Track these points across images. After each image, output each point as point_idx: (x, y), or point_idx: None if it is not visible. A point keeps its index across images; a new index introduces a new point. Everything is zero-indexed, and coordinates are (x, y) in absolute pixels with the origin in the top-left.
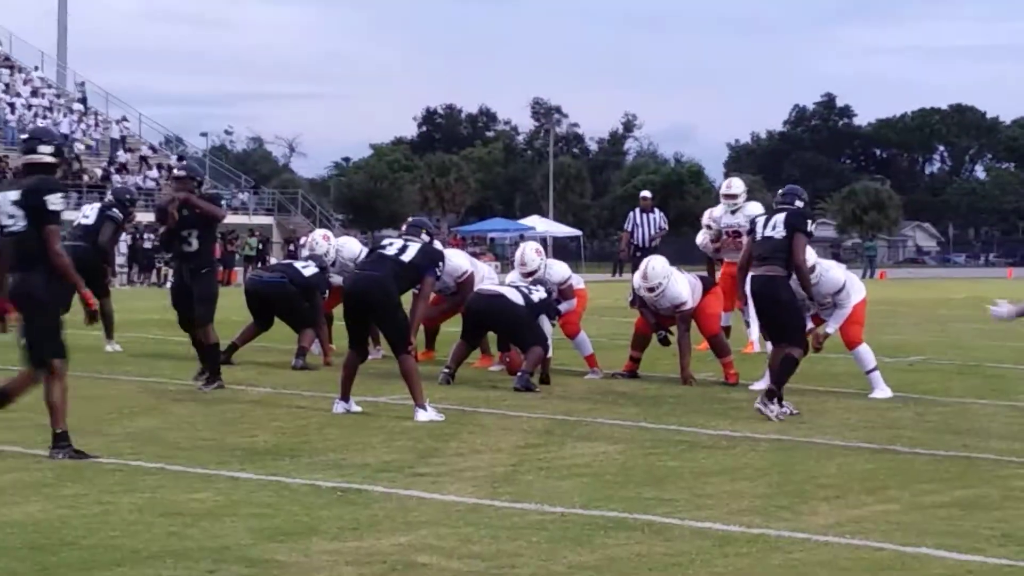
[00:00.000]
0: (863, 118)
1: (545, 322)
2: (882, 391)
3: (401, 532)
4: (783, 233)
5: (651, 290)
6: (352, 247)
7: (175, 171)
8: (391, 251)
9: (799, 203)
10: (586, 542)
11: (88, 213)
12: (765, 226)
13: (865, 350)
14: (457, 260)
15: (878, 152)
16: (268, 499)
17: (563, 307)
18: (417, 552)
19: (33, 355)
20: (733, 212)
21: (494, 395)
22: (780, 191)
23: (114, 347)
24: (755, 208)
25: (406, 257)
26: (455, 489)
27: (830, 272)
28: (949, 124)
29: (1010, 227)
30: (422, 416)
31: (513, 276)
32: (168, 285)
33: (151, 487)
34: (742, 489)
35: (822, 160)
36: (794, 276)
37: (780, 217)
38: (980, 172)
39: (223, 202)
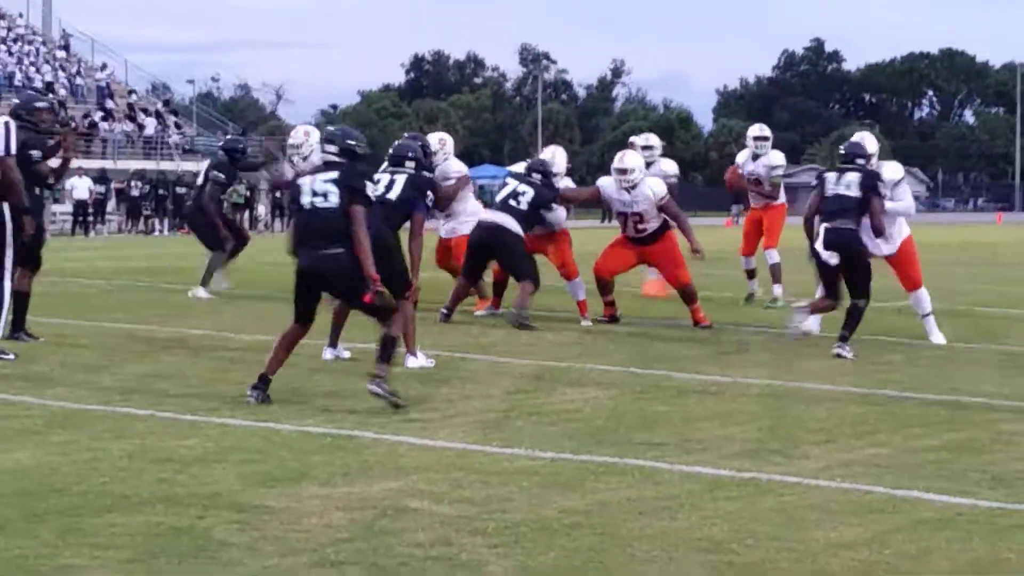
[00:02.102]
0: (852, 63)
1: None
2: (938, 337)
3: (392, 478)
4: (858, 193)
5: (623, 172)
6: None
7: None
8: (379, 191)
9: (860, 160)
10: (576, 487)
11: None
12: (837, 183)
13: (923, 293)
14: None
15: (867, 97)
16: (258, 445)
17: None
18: (408, 497)
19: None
20: (755, 158)
21: (485, 341)
22: (844, 147)
23: (196, 294)
24: (777, 157)
25: (392, 195)
26: (445, 435)
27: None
28: (938, 69)
29: (999, 172)
30: (412, 363)
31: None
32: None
33: (140, 434)
34: (732, 433)
35: (811, 105)
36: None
37: (854, 177)
38: (969, 117)
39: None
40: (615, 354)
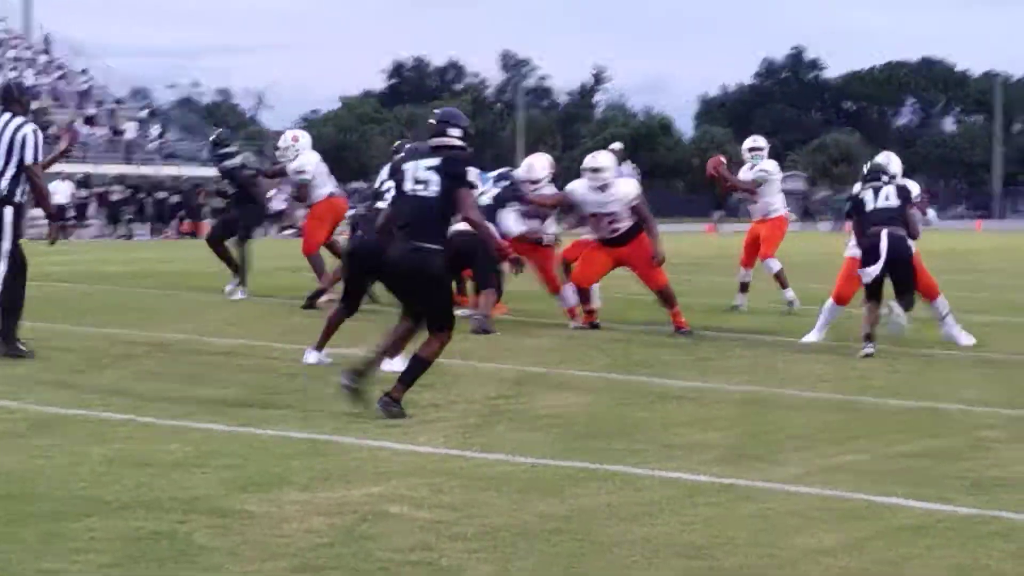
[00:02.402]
0: (833, 71)
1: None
2: (965, 338)
3: (372, 483)
4: (897, 203)
5: (595, 171)
6: (304, 161)
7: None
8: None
9: (886, 178)
10: (556, 492)
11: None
12: (876, 199)
13: (942, 300)
14: None
15: (848, 104)
16: (238, 450)
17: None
18: (388, 502)
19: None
20: (751, 167)
21: (466, 346)
22: (870, 166)
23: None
24: (771, 164)
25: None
26: (426, 440)
27: None
28: (918, 77)
29: (978, 180)
30: (392, 366)
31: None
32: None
33: (121, 438)
34: (711, 439)
35: (792, 112)
36: None
37: (891, 190)
38: (949, 125)
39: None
40: (595, 359)
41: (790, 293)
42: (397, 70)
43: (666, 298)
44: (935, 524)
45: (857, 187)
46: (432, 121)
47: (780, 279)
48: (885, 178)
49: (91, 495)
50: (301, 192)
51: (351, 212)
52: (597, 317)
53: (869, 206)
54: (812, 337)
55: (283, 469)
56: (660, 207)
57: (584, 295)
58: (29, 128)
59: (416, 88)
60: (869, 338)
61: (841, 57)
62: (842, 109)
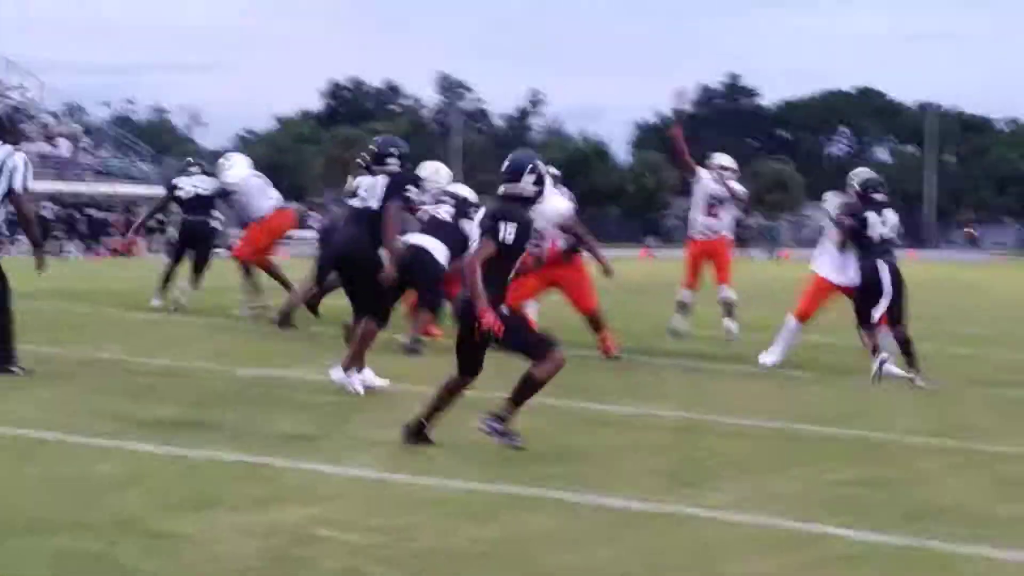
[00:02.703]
0: (769, 99)
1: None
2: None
3: (303, 505)
4: (896, 231)
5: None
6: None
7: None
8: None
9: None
10: (489, 518)
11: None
12: (880, 222)
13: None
14: None
15: (782, 133)
16: (170, 471)
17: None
18: (318, 525)
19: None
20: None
21: (399, 370)
22: (867, 181)
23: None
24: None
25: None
26: (358, 463)
27: None
28: (853, 106)
29: (912, 209)
30: (336, 376)
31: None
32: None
33: (51, 458)
34: (648, 466)
35: (727, 140)
36: None
37: (891, 214)
38: (883, 155)
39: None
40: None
41: (731, 324)
42: (334, 91)
43: (595, 323)
44: (869, 554)
45: (832, 204)
46: (373, 148)
47: (729, 307)
48: (883, 195)
49: (21, 516)
50: (237, 208)
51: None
52: None
53: (874, 231)
54: (772, 358)
55: (215, 490)
56: (595, 231)
57: None
58: (20, 157)
59: (353, 109)
60: (876, 350)
61: (777, 86)
62: (777, 137)
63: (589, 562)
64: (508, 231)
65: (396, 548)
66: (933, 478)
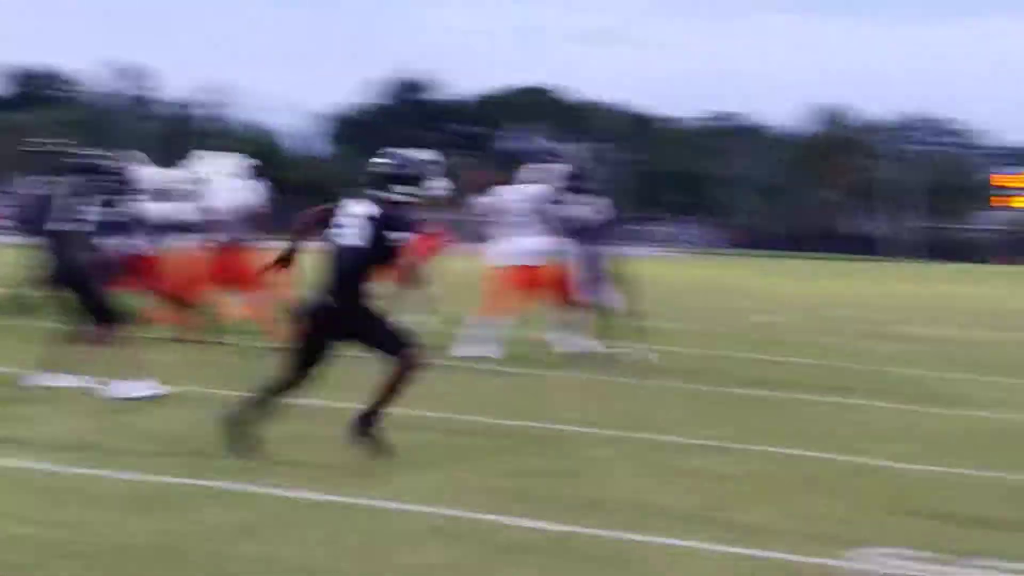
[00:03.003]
0: (446, 93)
1: None
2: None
3: None
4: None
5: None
6: None
7: None
8: None
9: None
10: (169, 510)
11: None
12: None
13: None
14: None
15: (461, 127)
16: None
17: None
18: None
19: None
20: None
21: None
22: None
23: None
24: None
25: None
26: (35, 456)
27: None
28: (523, 104)
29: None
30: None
31: None
32: None
33: None
34: (322, 457)
35: (408, 134)
36: None
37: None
38: (567, 152)
39: None
40: (202, 374)
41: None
42: None
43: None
44: (544, 543)
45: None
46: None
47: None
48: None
49: None
50: None
51: None
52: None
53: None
54: (471, 350)
55: None
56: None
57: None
58: None
59: (19, 96)
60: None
61: (461, 80)
62: (456, 132)
63: (265, 553)
64: None
65: (78, 542)
66: (608, 468)
